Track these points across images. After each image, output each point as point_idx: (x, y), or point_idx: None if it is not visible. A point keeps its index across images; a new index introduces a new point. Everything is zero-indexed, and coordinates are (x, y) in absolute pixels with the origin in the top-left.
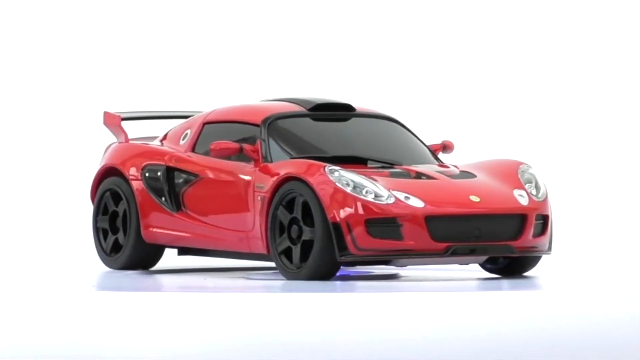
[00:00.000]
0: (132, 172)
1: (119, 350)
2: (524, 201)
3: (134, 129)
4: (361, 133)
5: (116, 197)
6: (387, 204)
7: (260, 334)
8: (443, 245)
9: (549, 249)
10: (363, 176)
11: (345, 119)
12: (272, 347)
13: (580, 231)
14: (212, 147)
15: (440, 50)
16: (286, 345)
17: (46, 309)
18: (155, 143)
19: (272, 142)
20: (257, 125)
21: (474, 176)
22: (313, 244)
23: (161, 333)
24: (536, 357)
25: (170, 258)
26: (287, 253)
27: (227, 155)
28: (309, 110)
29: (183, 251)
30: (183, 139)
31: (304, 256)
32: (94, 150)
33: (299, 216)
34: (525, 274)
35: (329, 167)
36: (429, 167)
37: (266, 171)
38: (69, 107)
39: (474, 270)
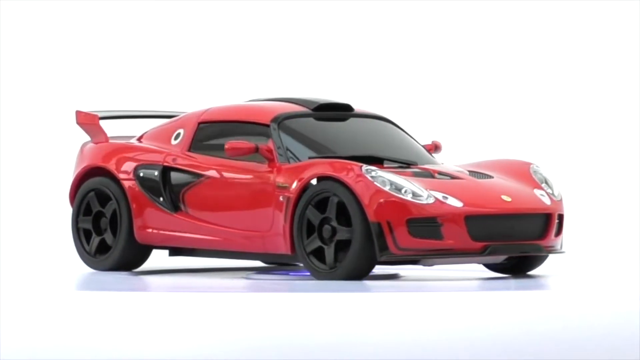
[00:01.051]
0: (124, 172)
1: (119, 351)
2: (547, 201)
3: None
4: (365, 133)
5: (102, 198)
6: (428, 204)
7: (259, 334)
8: (480, 244)
9: (561, 247)
10: (399, 176)
11: (343, 119)
12: (272, 347)
13: (579, 230)
14: (228, 146)
15: (430, 49)
16: (286, 346)
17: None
18: (136, 143)
19: (285, 141)
20: (265, 125)
21: (491, 177)
22: (349, 244)
23: (162, 333)
24: (537, 357)
25: (157, 259)
26: (316, 253)
27: (241, 155)
28: (312, 110)
29: (175, 252)
30: (176, 139)
31: (338, 256)
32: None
33: (333, 216)
34: (525, 273)
35: (366, 167)
36: (443, 167)
37: (289, 171)
38: (38, 107)
39: (474, 270)
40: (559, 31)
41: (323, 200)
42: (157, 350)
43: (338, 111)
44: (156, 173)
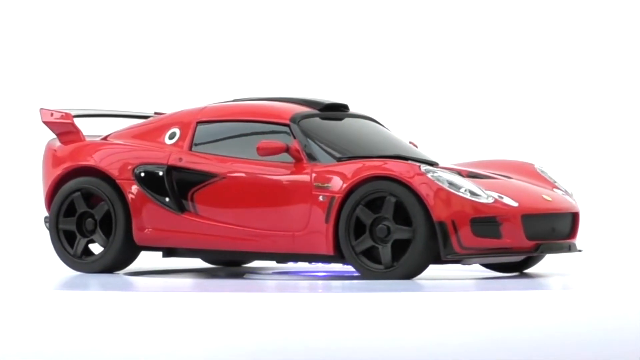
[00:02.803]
0: (120, 171)
1: (119, 351)
2: (571, 200)
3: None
4: (369, 133)
5: (89, 198)
6: (489, 203)
7: (259, 334)
8: (532, 243)
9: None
10: (456, 175)
11: (340, 119)
12: (272, 347)
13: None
14: (260, 146)
15: (415, 49)
16: (285, 346)
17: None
18: (125, 142)
19: (310, 141)
20: (284, 125)
21: (510, 177)
22: (404, 244)
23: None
24: (537, 357)
25: (143, 260)
26: (365, 253)
27: (272, 154)
28: (320, 110)
29: (170, 253)
30: (171, 138)
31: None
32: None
33: (390, 216)
34: (524, 272)
35: (424, 166)
36: (459, 167)
37: (329, 171)
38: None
39: (474, 270)
40: (554, 30)
41: (374, 200)
42: (157, 351)
43: (338, 111)
44: (161, 173)
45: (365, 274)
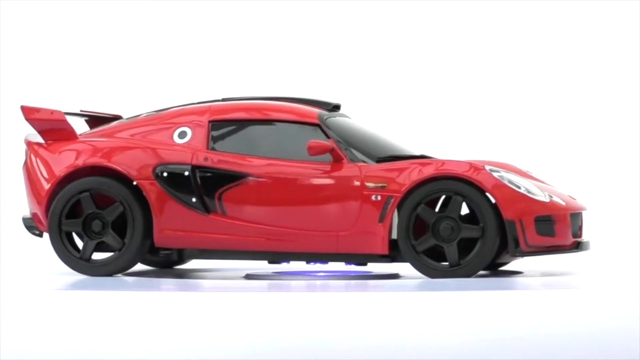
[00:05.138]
0: (139, 171)
1: (120, 351)
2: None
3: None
4: (374, 133)
5: (97, 199)
6: (546, 202)
7: (259, 334)
8: (573, 241)
9: None
10: (512, 174)
11: (347, 118)
12: (272, 347)
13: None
14: (311, 145)
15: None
16: (285, 346)
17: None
18: (136, 141)
19: (343, 141)
20: (315, 125)
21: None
22: (469, 242)
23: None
24: (537, 357)
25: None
26: (427, 252)
27: (321, 153)
28: (329, 110)
29: (182, 256)
30: (181, 137)
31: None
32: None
33: (455, 215)
34: (524, 273)
35: (489, 166)
36: None
37: (385, 170)
38: None
39: None
40: (549, 31)
41: (436, 199)
42: (157, 352)
43: (338, 111)
44: (187, 173)
45: (428, 273)
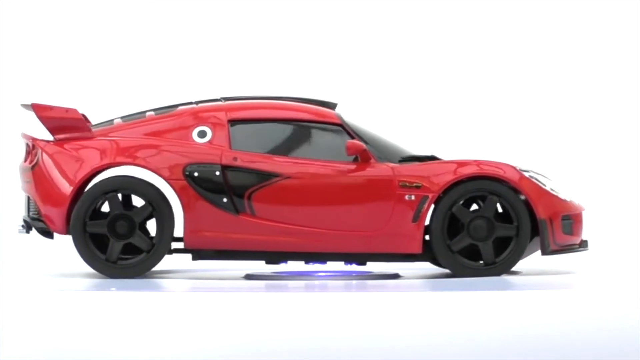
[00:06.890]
0: (170, 171)
1: (120, 351)
2: None
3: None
4: (377, 132)
5: (124, 200)
6: (567, 201)
7: (259, 334)
8: (581, 239)
9: None
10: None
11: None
12: (272, 347)
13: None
14: (350, 145)
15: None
16: (285, 346)
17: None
18: (157, 140)
19: (366, 141)
20: (338, 125)
21: None
22: (503, 241)
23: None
24: (537, 357)
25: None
26: (461, 251)
27: (357, 154)
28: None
29: (199, 256)
30: (201, 137)
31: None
32: None
33: (491, 214)
34: (524, 272)
35: (519, 166)
36: None
37: (418, 170)
38: None
39: None
40: (549, 31)
41: (472, 199)
42: (157, 352)
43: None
44: (217, 173)
45: (461, 272)
